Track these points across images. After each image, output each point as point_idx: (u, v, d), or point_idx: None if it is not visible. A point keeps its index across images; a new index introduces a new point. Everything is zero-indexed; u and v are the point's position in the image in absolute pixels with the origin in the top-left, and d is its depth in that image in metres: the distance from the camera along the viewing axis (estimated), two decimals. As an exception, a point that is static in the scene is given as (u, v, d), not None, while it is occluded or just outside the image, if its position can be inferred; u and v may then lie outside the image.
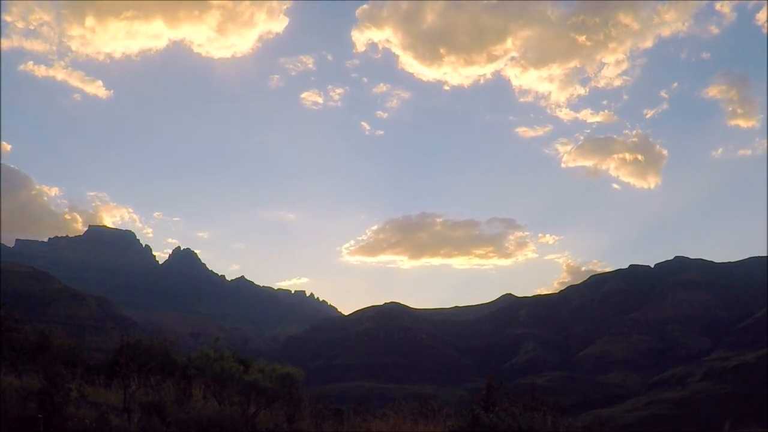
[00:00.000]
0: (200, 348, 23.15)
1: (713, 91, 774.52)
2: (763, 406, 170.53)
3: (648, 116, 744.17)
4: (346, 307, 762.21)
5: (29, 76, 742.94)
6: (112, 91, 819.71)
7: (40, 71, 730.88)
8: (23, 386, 19.70)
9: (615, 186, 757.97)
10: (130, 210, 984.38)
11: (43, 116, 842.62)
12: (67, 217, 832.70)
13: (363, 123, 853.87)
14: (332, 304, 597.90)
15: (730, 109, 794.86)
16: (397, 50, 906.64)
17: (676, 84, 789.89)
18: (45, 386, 18.32)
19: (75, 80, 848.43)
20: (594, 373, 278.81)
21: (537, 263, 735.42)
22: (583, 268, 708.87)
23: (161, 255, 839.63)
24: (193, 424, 19.80)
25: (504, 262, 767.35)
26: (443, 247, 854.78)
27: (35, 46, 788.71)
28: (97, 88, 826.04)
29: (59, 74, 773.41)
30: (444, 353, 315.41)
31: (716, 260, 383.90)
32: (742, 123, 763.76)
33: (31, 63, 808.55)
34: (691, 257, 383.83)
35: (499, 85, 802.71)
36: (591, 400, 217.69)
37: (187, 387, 22.36)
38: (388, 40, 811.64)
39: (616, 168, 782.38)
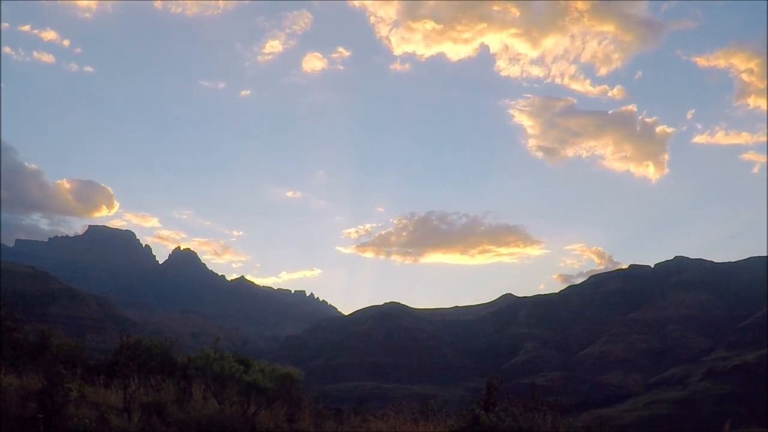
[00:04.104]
0: (200, 348, 23.15)
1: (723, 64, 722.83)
2: (763, 406, 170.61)
3: (650, 94, 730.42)
4: (348, 306, 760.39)
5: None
6: (81, 49, 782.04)
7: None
8: (23, 386, 19.69)
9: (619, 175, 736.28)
10: (115, 190, 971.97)
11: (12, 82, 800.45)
12: (55, 188, 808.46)
13: (371, 98, 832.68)
14: (332, 303, 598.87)
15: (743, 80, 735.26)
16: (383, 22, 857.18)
17: (679, 50, 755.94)
18: (45, 386, 18.32)
19: (46, 38, 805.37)
20: (594, 373, 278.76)
21: (556, 255, 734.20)
22: (608, 254, 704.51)
23: (158, 242, 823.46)
24: (193, 424, 19.79)
25: (535, 251, 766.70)
26: (468, 238, 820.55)
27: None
28: (68, 51, 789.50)
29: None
30: (444, 353, 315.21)
31: (716, 260, 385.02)
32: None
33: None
34: (691, 257, 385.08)
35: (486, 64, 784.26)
36: (591, 400, 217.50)
37: (187, 387, 22.36)
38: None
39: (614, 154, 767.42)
